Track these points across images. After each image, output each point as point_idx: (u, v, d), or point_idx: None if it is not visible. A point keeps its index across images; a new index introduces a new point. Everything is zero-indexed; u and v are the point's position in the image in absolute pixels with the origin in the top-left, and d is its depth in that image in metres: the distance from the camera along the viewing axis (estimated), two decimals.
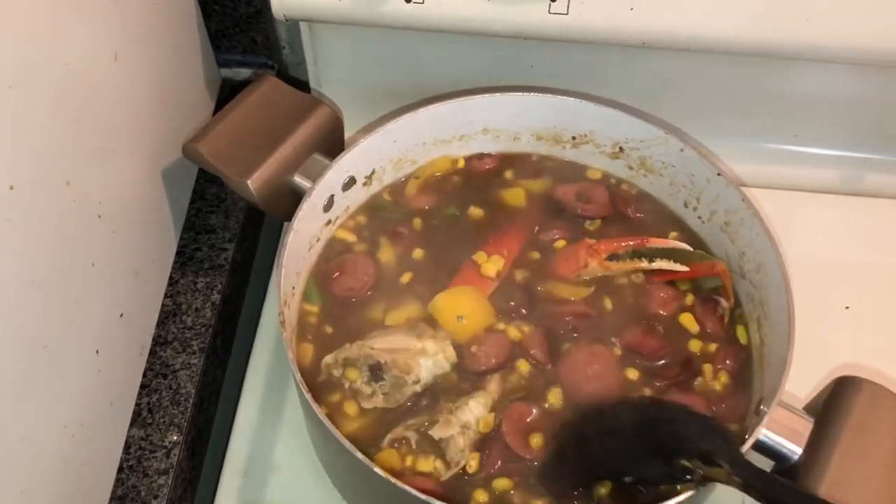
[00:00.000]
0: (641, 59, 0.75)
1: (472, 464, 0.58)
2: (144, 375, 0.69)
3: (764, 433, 0.55)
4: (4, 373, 0.49)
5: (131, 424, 0.67)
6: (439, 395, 0.61)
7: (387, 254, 0.69)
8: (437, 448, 0.58)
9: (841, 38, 0.68)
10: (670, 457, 0.52)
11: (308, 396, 0.55)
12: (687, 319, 0.65)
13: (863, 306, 0.77)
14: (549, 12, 0.68)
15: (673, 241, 0.68)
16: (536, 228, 0.70)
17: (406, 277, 0.67)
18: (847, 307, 0.77)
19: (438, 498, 0.51)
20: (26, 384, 0.51)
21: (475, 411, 0.60)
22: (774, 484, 0.50)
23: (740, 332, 0.65)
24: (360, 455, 0.52)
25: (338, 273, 0.68)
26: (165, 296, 0.73)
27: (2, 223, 0.47)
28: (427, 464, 0.58)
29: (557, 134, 0.73)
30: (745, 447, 0.54)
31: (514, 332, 0.64)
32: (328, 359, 0.63)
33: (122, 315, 0.64)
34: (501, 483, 0.58)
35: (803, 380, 0.64)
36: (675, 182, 0.70)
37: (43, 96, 0.51)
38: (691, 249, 0.67)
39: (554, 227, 0.70)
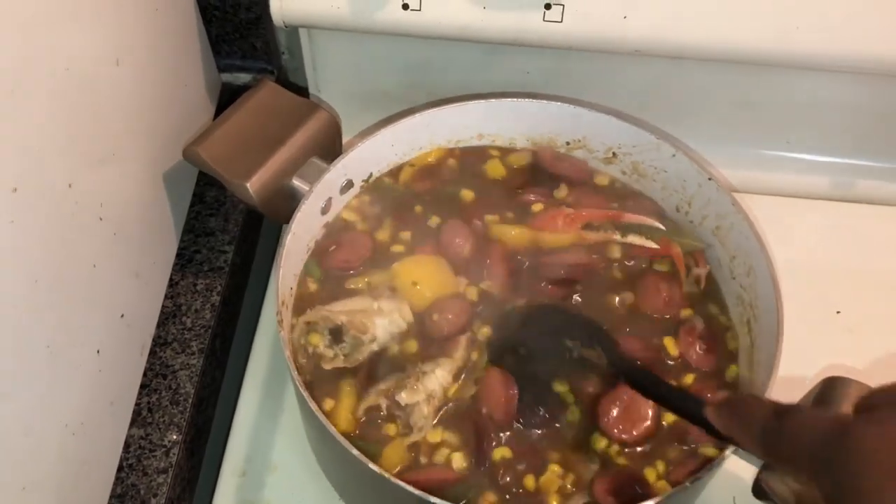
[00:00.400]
0: (635, 65, 0.76)
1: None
2: (144, 375, 0.70)
3: None
4: (7, 372, 0.50)
5: (131, 424, 0.68)
6: (406, 362, 0.63)
7: (383, 230, 0.70)
8: (404, 413, 0.61)
9: (832, 47, 0.70)
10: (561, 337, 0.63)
11: (305, 394, 0.56)
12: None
13: (854, 311, 0.78)
14: (544, 20, 0.69)
15: (647, 219, 0.70)
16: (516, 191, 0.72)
17: (396, 250, 0.69)
18: (838, 312, 0.78)
19: (438, 495, 0.52)
20: (29, 383, 0.52)
21: (440, 379, 0.62)
22: (635, 370, 0.60)
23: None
24: (355, 451, 0.53)
25: (334, 247, 0.69)
26: (165, 297, 0.74)
27: (6, 225, 0.48)
28: (392, 429, 0.61)
29: (552, 139, 0.74)
30: (733, 448, 0.55)
31: (473, 295, 0.66)
32: (295, 332, 0.64)
33: (122, 316, 0.65)
34: (501, 452, 0.60)
35: (794, 382, 0.65)
36: (667, 187, 0.71)
37: (46, 100, 0.52)
38: (664, 228, 0.69)
39: (532, 191, 0.72)
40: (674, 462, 0.60)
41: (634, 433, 0.61)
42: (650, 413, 0.61)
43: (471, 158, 0.75)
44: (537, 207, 0.71)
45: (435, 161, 0.74)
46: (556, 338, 0.64)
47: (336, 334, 0.63)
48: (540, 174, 0.73)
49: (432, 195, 0.72)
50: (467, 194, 0.72)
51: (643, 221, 0.69)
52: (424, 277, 0.66)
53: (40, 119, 0.52)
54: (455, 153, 0.75)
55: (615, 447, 0.61)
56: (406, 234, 0.70)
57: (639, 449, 0.61)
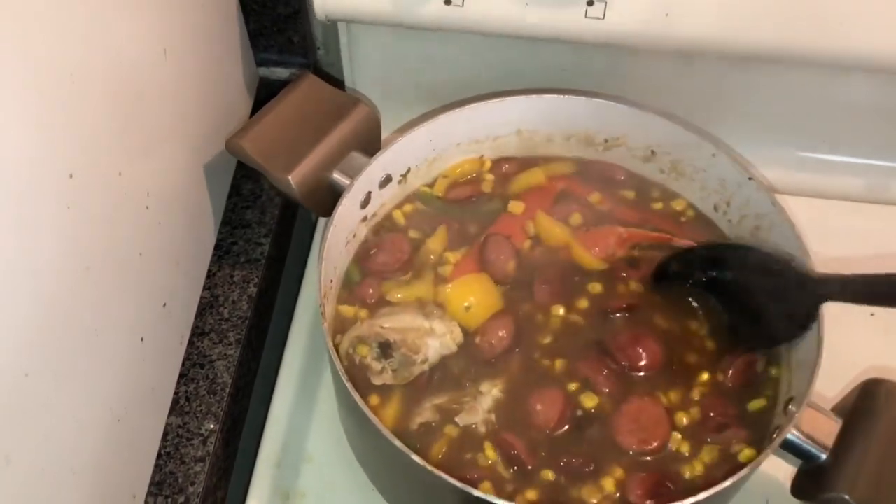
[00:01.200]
0: (675, 63, 0.76)
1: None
2: (182, 365, 0.71)
3: (792, 432, 0.56)
4: (60, 356, 0.50)
5: (169, 412, 0.69)
6: (461, 377, 0.63)
7: (423, 238, 0.71)
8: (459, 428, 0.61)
9: (875, 47, 0.69)
10: None
11: (349, 385, 0.56)
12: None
13: (888, 313, 0.77)
14: (586, 17, 0.69)
15: (694, 244, 0.70)
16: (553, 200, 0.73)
17: (433, 258, 0.69)
18: (872, 314, 0.78)
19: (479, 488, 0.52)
20: (78, 367, 0.53)
21: (495, 398, 0.62)
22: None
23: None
24: (398, 443, 0.54)
25: (375, 249, 0.70)
26: (203, 288, 0.75)
27: (63, 210, 0.49)
28: (442, 444, 0.61)
29: (590, 136, 0.74)
30: (774, 445, 0.55)
31: (522, 312, 0.66)
32: (343, 342, 0.65)
33: (164, 305, 0.66)
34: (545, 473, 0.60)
35: (831, 382, 0.65)
36: (706, 186, 0.71)
37: (100, 89, 0.53)
38: None
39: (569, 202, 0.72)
40: (710, 464, 0.60)
41: (653, 443, 0.61)
42: (665, 419, 0.61)
43: (508, 166, 0.75)
44: (576, 219, 0.71)
45: (468, 172, 0.75)
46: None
47: (385, 348, 0.63)
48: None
49: (472, 205, 0.73)
50: (516, 206, 0.72)
51: (692, 246, 0.70)
52: (475, 300, 0.66)
53: (94, 107, 0.52)
54: (486, 165, 0.75)
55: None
56: (446, 244, 0.70)
57: (673, 449, 0.61)
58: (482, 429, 0.61)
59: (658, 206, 0.73)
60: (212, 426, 0.69)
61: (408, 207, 0.73)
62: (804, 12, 0.68)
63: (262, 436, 0.72)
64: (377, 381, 0.63)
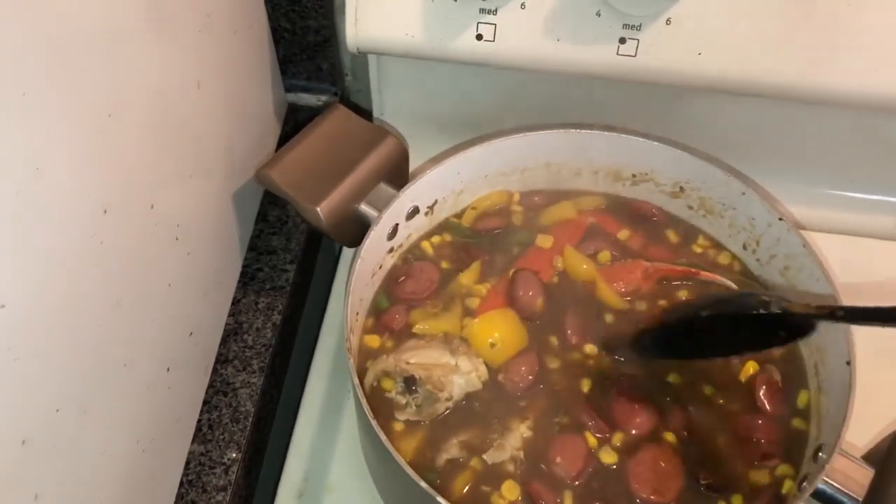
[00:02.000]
0: (705, 101, 0.76)
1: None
2: (206, 392, 0.71)
3: (824, 481, 0.56)
4: (90, 390, 0.50)
5: (192, 440, 0.69)
6: (487, 414, 0.63)
7: (450, 267, 0.71)
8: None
9: None
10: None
11: (374, 423, 0.56)
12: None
13: None
14: (618, 54, 0.69)
15: (721, 278, 0.69)
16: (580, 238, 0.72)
17: (460, 290, 0.69)
18: None
19: None
20: (107, 400, 0.53)
21: (523, 435, 0.62)
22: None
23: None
24: (424, 484, 0.53)
25: (404, 277, 0.70)
26: (228, 314, 0.75)
27: (96, 245, 0.49)
28: (466, 477, 0.61)
29: (618, 171, 0.74)
30: (805, 495, 0.55)
31: (548, 351, 0.66)
32: (368, 375, 0.65)
33: (191, 334, 0.66)
34: None
35: (862, 428, 0.64)
36: (734, 224, 0.71)
37: (135, 124, 0.53)
38: (737, 289, 0.69)
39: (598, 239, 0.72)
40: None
41: (665, 495, 0.60)
42: (679, 470, 0.60)
43: (537, 199, 0.75)
44: (604, 257, 0.71)
45: (496, 204, 0.75)
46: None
47: (409, 384, 0.63)
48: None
49: (500, 237, 0.73)
50: (544, 240, 0.72)
51: (718, 281, 0.69)
52: (500, 337, 0.66)
53: (130, 142, 0.53)
54: (515, 197, 0.75)
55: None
56: (477, 278, 0.70)
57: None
58: (510, 467, 0.61)
59: (697, 249, 0.73)
60: (234, 455, 0.69)
61: (436, 238, 0.73)
62: (837, 52, 0.68)
63: (283, 465, 0.72)
64: (401, 417, 0.63)
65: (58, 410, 0.46)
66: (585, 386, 0.64)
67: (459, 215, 0.75)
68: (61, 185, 0.45)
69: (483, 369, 0.64)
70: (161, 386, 0.61)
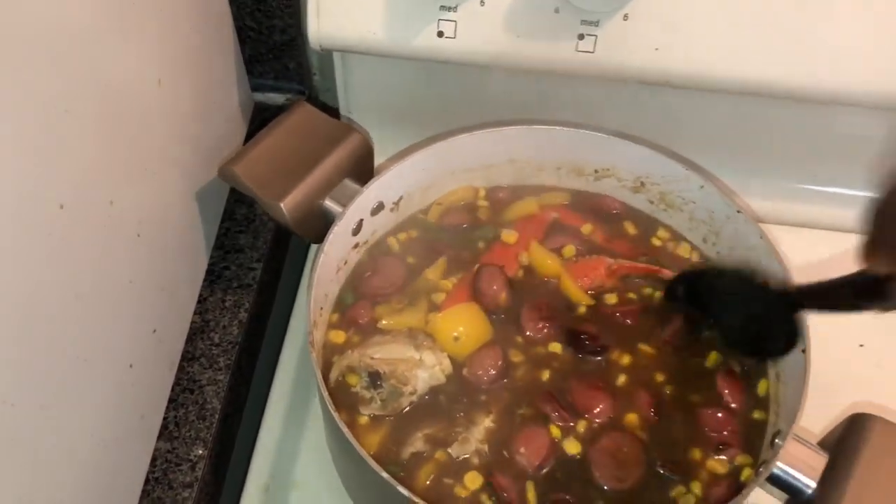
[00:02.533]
0: (665, 96, 0.76)
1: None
2: (172, 390, 0.71)
3: (779, 466, 0.57)
4: (48, 386, 0.50)
5: (158, 437, 0.69)
6: (452, 408, 0.64)
7: (416, 262, 0.72)
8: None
9: (862, 82, 0.70)
10: None
11: (336, 416, 0.56)
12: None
13: (877, 345, 0.78)
14: (577, 50, 0.70)
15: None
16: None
17: (426, 286, 0.70)
18: (861, 345, 0.78)
19: None
20: (66, 396, 0.53)
21: (487, 429, 0.62)
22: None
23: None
24: (385, 475, 0.54)
25: (370, 273, 0.71)
26: (194, 313, 0.75)
27: (53, 241, 0.49)
28: (428, 469, 0.61)
29: (581, 167, 0.75)
30: (760, 480, 0.56)
31: (512, 345, 0.66)
32: (333, 370, 0.65)
33: (155, 331, 0.66)
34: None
35: (818, 416, 0.65)
36: (694, 217, 0.72)
37: (92, 119, 0.54)
38: None
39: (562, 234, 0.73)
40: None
41: (626, 481, 0.60)
42: (641, 455, 0.61)
43: (502, 195, 0.76)
44: (569, 251, 0.71)
45: (462, 199, 0.76)
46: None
47: (374, 379, 0.63)
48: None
49: (466, 232, 0.73)
50: (509, 235, 0.72)
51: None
52: (464, 331, 0.66)
53: (87, 138, 0.53)
54: (481, 192, 0.76)
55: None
56: (443, 274, 0.71)
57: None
58: (475, 460, 0.61)
59: (656, 242, 0.74)
60: (200, 452, 0.69)
61: (402, 235, 0.74)
62: (792, 47, 0.69)
63: (250, 461, 0.72)
64: (366, 411, 0.63)
65: (13, 405, 0.46)
66: (546, 376, 0.65)
67: (426, 211, 0.75)
68: (14, 180, 0.45)
69: (447, 363, 0.65)
70: (124, 382, 0.61)
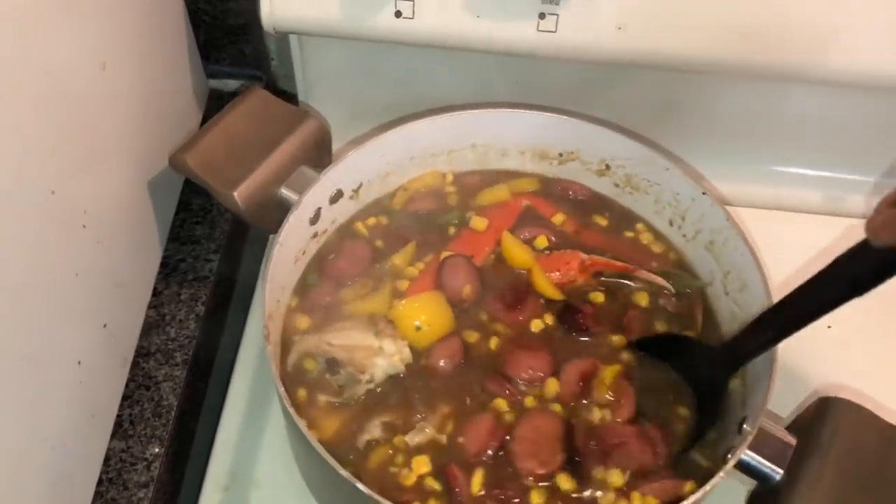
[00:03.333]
0: (629, 77, 0.75)
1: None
2: (126, 387, 0.69)
3: (746, 453, 0.56)
4: None
5: (112, 436, 0.66)
6: (409, 397, 0.62)
7: (384, 247, 0.70)
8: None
9: (825, 61, 0.69)
10: None
11: (292, 411, 0.54)
12: None
13: (846, 327, 0.76)
14: (538, 30, 0.68)
15: (658, 278, 0.68)
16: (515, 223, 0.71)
17: (392, 271, 0.68)
18: (829, 327, 0.77)
19: None
20: (8, 395, 0.51)
21: (445, 416, 0.61)
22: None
23: None
24: (345, 473, 0.52)
25: (334, 255, 0.69)
26: (149, 307, 0.73)
27: None
28: (381, 453, 0.60)
29: (545, 150, 0.73)
30: (728, 466, 0.54)
31: (472, 337, 0.65)
32: (292, 354, 0.63)
33: (105, 326, 0.64)
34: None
35: (786, 399, 0.64)
36: (660, 200, 0.71)
37: (30, 105, 0.51)
38: (673, 289, 0.68)
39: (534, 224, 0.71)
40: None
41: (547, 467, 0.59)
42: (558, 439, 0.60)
43: (471, 181, 0.74)
44: (541, 242, 0.70)
45: (429, 185, 0.74)
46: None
47: (332, 365, 0.62)
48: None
49: (433, 218, 0.71)
50: (479, 222, 0.71)
51: (655, 280, 0.68)
52: (427, 320, 0.64)
53: (24, 124, 0.50)
54: (448, 178, 0.74)
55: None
56: (408, 259, 0.69)
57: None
58: (430, 447, 0.60)
59: (628, 234, 0.72)
60: (157, 450, 0.67)
61: (371, 220, 0.72)
62: (755, 27, 0.68)
63: (209, 460, 0.70)
64: (322, 397, 0.62)
65: None
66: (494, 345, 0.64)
67: (391, 196, 0.73)
68: None
69: (407, 352, 0.63)
70: (71, 380, 0.59)
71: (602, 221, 0.73)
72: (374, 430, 0.60)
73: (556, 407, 0.62)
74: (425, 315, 0.65)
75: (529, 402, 0.62)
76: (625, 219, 0.73)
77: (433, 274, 0.68)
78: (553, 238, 0.70)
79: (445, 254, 0.69)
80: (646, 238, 0.72)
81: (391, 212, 0.73)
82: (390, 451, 0.60)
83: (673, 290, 0.68)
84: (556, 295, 0.67)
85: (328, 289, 0.67)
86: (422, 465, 0.58)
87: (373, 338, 0.62)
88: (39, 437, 0.55)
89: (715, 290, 0.68)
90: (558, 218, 0.72)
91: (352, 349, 0.62)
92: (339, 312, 0.66)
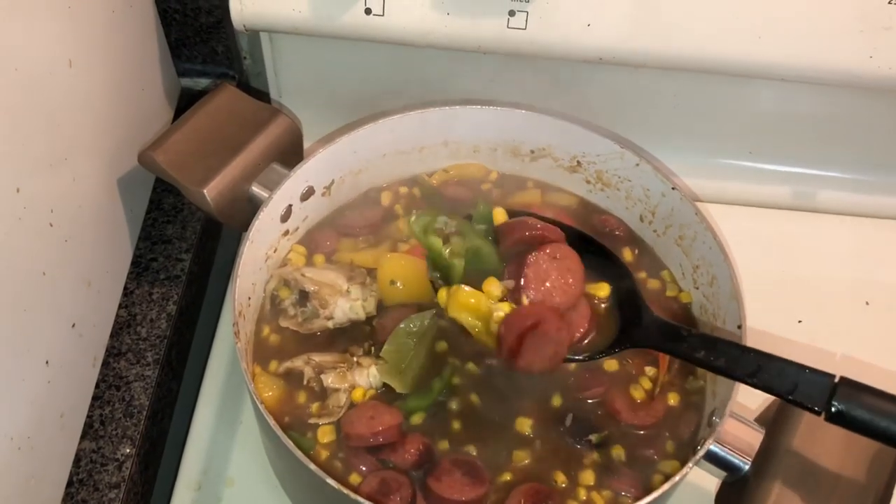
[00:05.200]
0: (599, 74, 0.76)
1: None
2: (97, 387, 0.68)
3: (715, 444, 0.56)
4: None
5: (82, 437, 0.66)
6: (350, 346, 0.64)
7: (396, 212, 0.72)
8: (323, 392, 0.62)
9: (792, 58, 0.70)
10: None
11: (262, 408, 0.54)
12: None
13: (815, 320, 0.78)
14: (508, 27, 0.68)
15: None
16: None
17: (396, 233, 0.70)
18: (800, 321, 0.78)
19: None
20: None
21: (371, 379, 0.62)
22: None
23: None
24: (313, 466, 0.52)
25: (350, 210, 0.72)
26: (120, 306, 0.72)
27: None
28: (302, 397, 0.62)
29: (516, 147, 0.73)
30: (697, 458, 0.55)
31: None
32: (272, 280, 0.66)
33: (74, 325, 0.63)
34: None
35: (756, 392, 0.65)
36: (630, 196, 0.71)
37: None
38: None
39: None
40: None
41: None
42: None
43: (510, 182, 0.75)
44: None
45: (469, 175, 0.74)
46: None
47: (303, 297, 0.64)
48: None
49: (459, 206, 0.71)
50: (499, 213, 0.68)
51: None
52: (404, 279, 0.65)
53: None
54: (492, 175, 0.75)
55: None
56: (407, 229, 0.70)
57: None
58: (342, 398, 0.60)
59: (642, 275, 0.70)
60: (128, 450, 0.66)
61: (403, 189, 0.73)
62: (720, 24, 0.68)
63: (181, 459, 0.69)
64: (283, 324, 0.64)
65: None
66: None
67: (431, 174, 0.74)
68: None
69: (371, 303, 0.64)
70: (38, 380, 0.58)
71: (628, 257, 0.71)
72: (298, 361, 0.62)
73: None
74: (406, 274, 0.65)
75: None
76: (653, 264, 0.71)
77: None
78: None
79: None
80: (671, 289, 0.70)
81: (423, 185, 0.74)
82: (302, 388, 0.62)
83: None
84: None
85: (331, 234, 0.70)
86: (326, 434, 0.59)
87: (343, 280, 0.64)
88: (5, 438, 0.55)
89: (685, 285, 0.68)
90: None
91: (321, 284, 0.64)
92: (331, 259, 0.68)
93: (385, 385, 0.62)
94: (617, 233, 0.72)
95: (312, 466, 0.52)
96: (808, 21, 0.68)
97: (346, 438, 0.59)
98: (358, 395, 0.61)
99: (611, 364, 0.64)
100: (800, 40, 0.69)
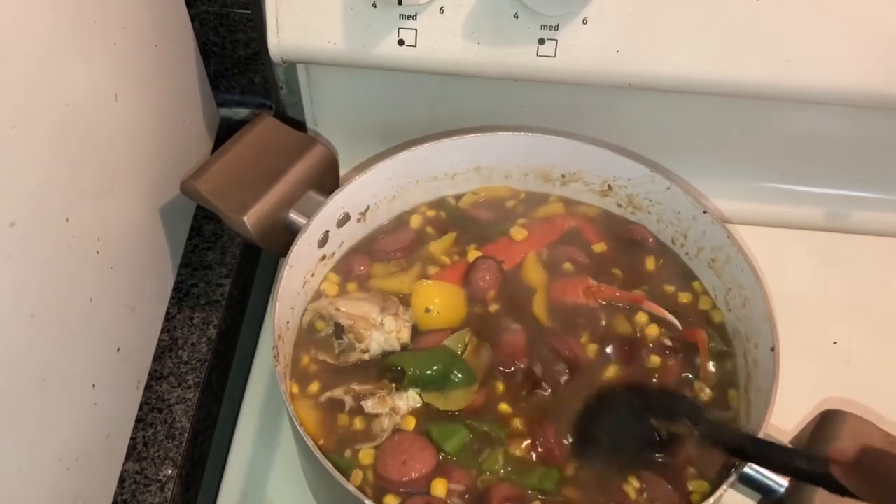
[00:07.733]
0: (629, 99, 0.77)
1: None
2: (140, 409, 0.70)
3: (750, 466, 0.56)
4: (2, 406, 0.49)
5: (126, 458, 0.68)
6: (387, 371, 0.64)
7: (428, 235, 0.73)
8: (366, 418, 0.62)
9: (821, 81, 0.70)
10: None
11: (301, 430, 0.55)
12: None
13: (850, 342, 0.78)
14: (538, 55, 0.70)
15: (666, 314, 0.67)
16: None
17: (428, 256, 0.71)
18: (835, 342, 0.78)
19: None
20: (23, 417, 0.52)
21: (410, 401, 0.62)
22: (734, 436, 0.58)
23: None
24: (351, 488, 0.53)
25: (384, 235, 0.73)
26: (162, 331, 0.74)
27: (3, 259, 0.48)
28: (343, 420, 0.63)
29: (547, 172, 0.75)
30: (732, 479, 0.55)
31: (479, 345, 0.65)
32: (307, 313, 0.68)
33: (118, 349, 0.65)
34: None
35: (790, 413, 0.65)
36: (662, 219, 0.72)
37: (44, 136, 0.53)
38: (679, 325, 0.67)
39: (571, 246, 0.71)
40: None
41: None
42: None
43: (537, 199, 0.76)
44: (568, 267, 0.70)
45: (497, 197, 0.76)
46: (638, 421, 0.62)
47: (339, 330, 0.65)
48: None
49: (485, 227, 0.73)
50: (518, 232, 0.71)
51: (661, 314, 0.67)
52: (439, 304, 0.67)
53: (38, 153, 0.52)
54: (521, 195, 0.76)
55: None
56: (445, 249, 0.72)
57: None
58: (385, 422, 0.61)
59: (670, 288, 0.70)
60: (170, 472, 0.68)
61: (430, 212, 0.75)
62: (754, 47, 0.69)
63: (221, 480, 0.71)
64: (320, 357, 0.65)
65: None
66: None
67: (459, 197, 0.76)
68: None
69: (406, 333, 0.65)
70: (86, 402, 0.60)
71: (651, 266, 0.72)
72: (338, 391, 0.63)
73: None
74: (440, 300, 0.67)
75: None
76: (683, 276, 0.71)
77: (463, 269, 0.70)
78: (585, 261, 0.70)
79: (477, 254, 0.71)
80: (704, 302, 0.70)
81: (451, 209, 0.75)
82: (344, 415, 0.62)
83: (680, 327, 0.67)
84: (544, 319, 0.67)
85: (364, 259, 0.71)
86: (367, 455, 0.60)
87: (377, 312, 0.65)
88: (55, 459, 0.56)
89: (718, 307, 0.69)
90: (599, 246, 0.72)
91: (355, 318, 0.65)
92: (364, 285, 0.70)
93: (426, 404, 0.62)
94: (641, 240, 0.73)
95: (351, 487, 0.53)
96: (836, 43, 0.69)
97: (379, 479, 0.59)
98: (410, 424, 0.61)
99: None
100: (828, 63, 0.69)
